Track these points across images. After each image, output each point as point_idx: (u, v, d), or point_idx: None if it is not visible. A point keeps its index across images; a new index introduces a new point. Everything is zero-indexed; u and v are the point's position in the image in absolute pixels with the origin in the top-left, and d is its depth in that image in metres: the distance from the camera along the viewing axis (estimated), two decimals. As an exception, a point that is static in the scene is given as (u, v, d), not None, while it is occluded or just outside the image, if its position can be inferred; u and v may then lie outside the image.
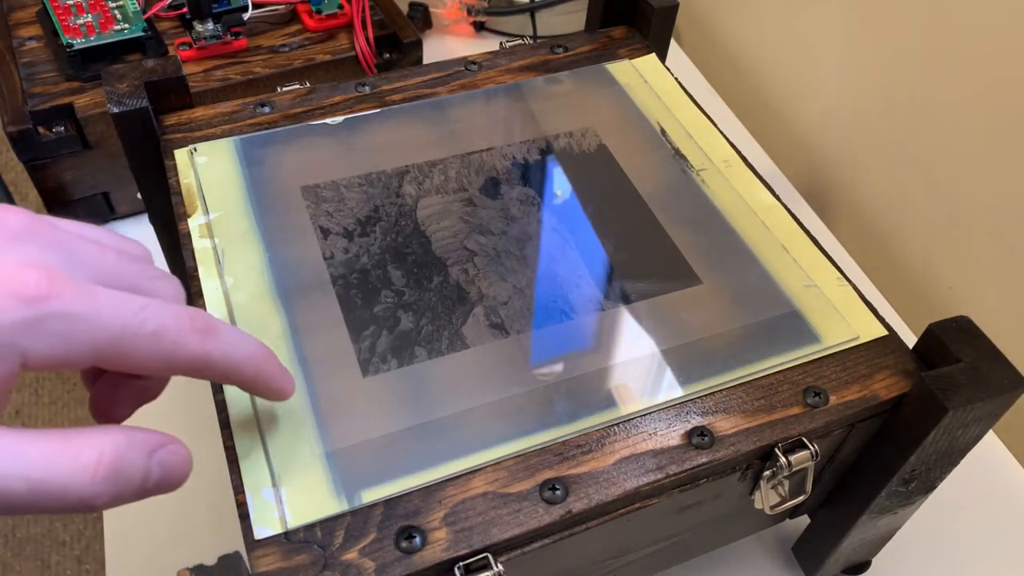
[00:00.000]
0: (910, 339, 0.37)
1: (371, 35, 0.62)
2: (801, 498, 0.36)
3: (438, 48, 0.79)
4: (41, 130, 0.55)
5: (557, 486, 0.31)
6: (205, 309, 0.36)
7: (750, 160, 0.45)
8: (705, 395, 0.35)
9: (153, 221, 0.46)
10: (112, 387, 0.28)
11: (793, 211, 0.42)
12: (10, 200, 0.92)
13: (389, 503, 0.30)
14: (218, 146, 0.42)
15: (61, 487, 0.22)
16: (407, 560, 0.29)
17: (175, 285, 0.28)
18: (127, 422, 0.28)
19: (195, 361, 0.26)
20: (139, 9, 0.61)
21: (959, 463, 0.37)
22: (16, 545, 1.14)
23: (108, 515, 0.46)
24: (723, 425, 0.34)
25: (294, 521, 0.30)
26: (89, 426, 0.24)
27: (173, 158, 0.42)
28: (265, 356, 0.29)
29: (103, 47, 0.59)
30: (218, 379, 0.27)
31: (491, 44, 0.55)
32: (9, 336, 0.22)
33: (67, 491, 0.23)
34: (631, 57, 0.50)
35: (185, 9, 0.61)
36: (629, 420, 0.34)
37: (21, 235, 0.24)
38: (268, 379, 0.29)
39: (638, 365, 0.35)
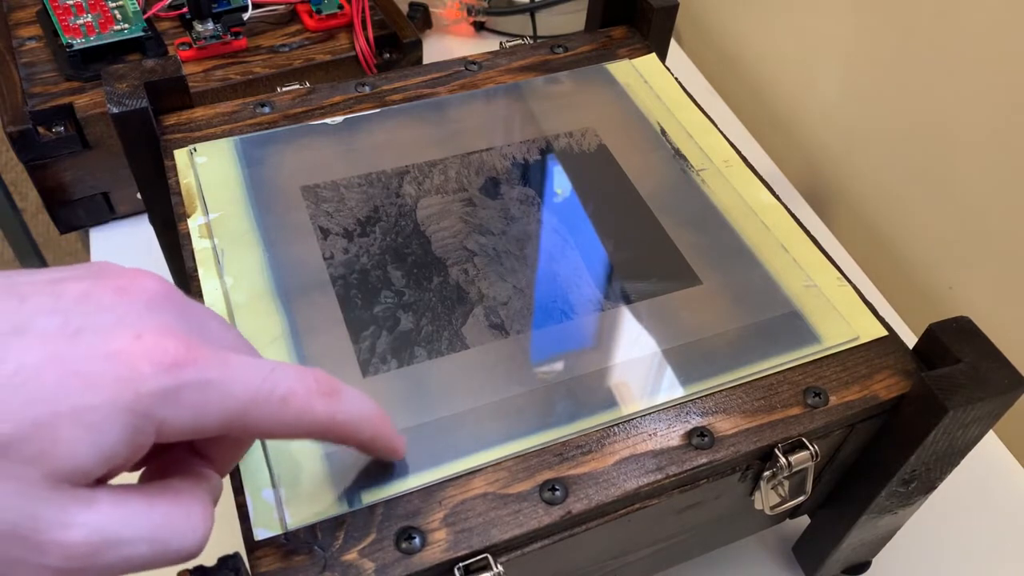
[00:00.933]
0: (910, 339, 0.37)
1: (371, 35, 0.62)
2: (801, 498, 0.36)
3: (438, 48, 0.79)
4: (41, 130, 0.55)
5: (557, 487, 0.31)
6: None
7: (750, 160, 0.45)
8: (705, 395, 0.35)
9: (153, 221, 0.46)
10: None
11: (793, 211, 0.42)
12: (10, 200, 0.91)
13: (389, 504, 0.30)
14: (218, 146, 0.42)
15: (178, 545, 0.23)
16: (407, 561, 0.29)
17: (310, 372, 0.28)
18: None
19: (320, 425, 0.26)
20: (139, 9, 0.61)
21: (959, 463, 0.37)
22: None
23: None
24: (723, 425, 0.34)
25: (294, 522, 0.30)
26: (178, 479, 0.25)
27: (173, 158, 0.42)
28: (382, 417, 0.29)
29: (103, 47, 0.59)
30: (335, 440, 0.27)
31: (491, 44, 0.54)
32: (149, 405, 0.22)
33: (182, 547, 0.23)
34: (631, 57, 0.50)
35: (185, 9, 0.61)
36: (629, 420, 0.33)
37: (157, 301, 0.24)
38: (384, 440, 0.29)
39: (638, 365, 0.35)
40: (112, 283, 0.24)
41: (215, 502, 0.26)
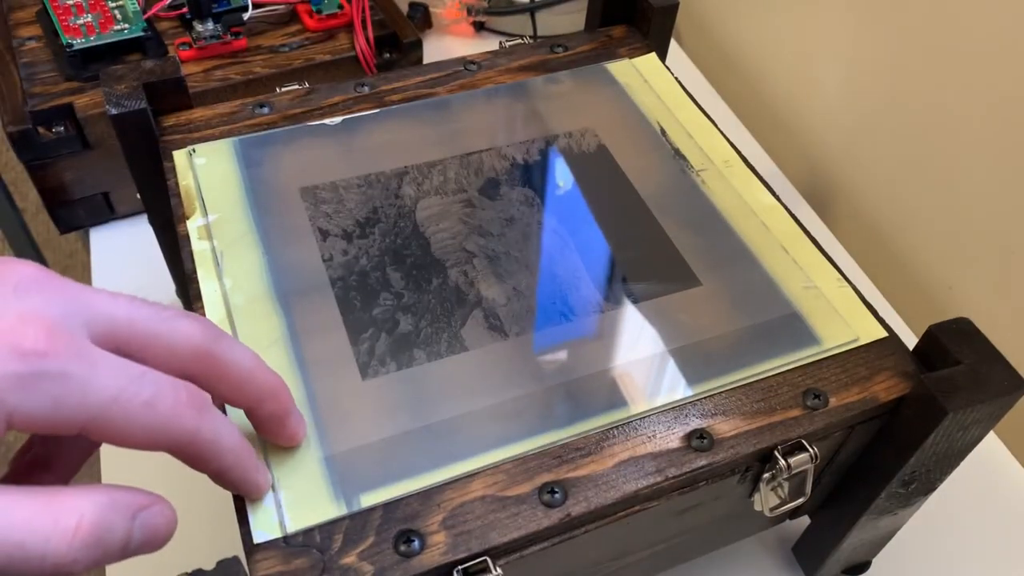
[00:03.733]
0: (910, 340, 0.37)
1: (371, 35, 0.62)
2: (801, 500, 0.36)
3: (438, 48, 0.79)
4: (41, 130, 0.55)
5: (556, 489, 0.31)
6: (205, 313, 0.36)
7: (750, 160, 0.45)
8: (704, 397, 0.34)
9: (153, 222, 0.46)
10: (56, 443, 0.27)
11: (793, 211, 0.42)
12: (10, 200, 0.91)
13: (388, 507, 0.30)
14: (217, 147, 0.42)
15: (39, 552, 0.21)
16: (406, 564, 0.29)
17: (199, 323, 0.27)
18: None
19: (182, 437, 0.25)
20: (139, 9, 0.61)
21: (959, 464, 0.37)
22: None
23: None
24: (722, 427, 0.34)
25: (293, 525, 0.30)
26: (74, 486, 0.23)
27: (172, 159, 0.42)
28: (248, 449, 0.28)
29: (103, 47, 0.58)
30: (195, 460, 0.26)
31: (491, 44, 0.54)
32: None
33: (44, 556, 0.21)
34: (631, 57, 0.50)
35: (185, 9, 0.60)
36: (628, 422, 0.33)
37: (27, 286, 0.23)
38: (243, 471, 0.28)
39: (637, 367, 0.35)
40: None
41: (121, 519, 0.23)
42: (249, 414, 0.29)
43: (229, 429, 0.27)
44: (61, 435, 0.23)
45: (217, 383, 0.27)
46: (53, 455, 0.28)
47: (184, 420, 0.25)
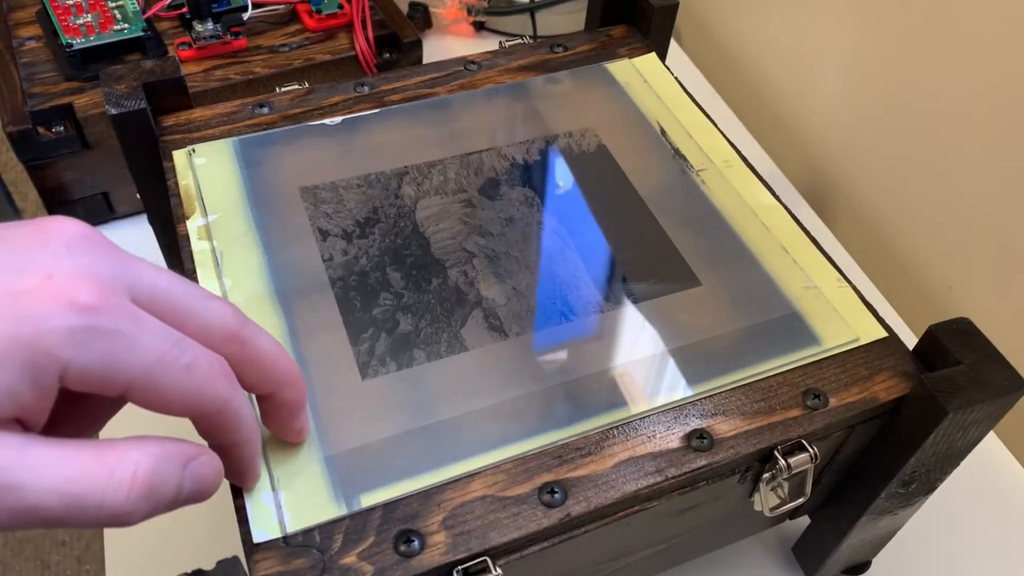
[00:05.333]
0: (910, 340, 0.37)
1: (371, 35, 0.62)
2: (801, 500, 0.36)
3: (438, 48, 0.79)
4: (41, 130, 0.55)
5: (556, 489, 0.31)
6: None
7: (750, 160, 0.45)
8: (704, 397, 0.34)
9: (152, 222, 0.46)
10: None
11: (793, 211, 0.42)
12: (10, 200, 0.92)
13: (388, 507, 0.30)
14: (216, 147, 0.42)
15: (96, 503, 0.22)
16: (406, 564, 0.29)
17: (229, 306, 0.28)
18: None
19: (215, 403, 0.25)
20: (139, 9, 0.61)
21: (959, 464, 0.37)
22: (16, 545, 1.14)
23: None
24: (722, 427, 0.34)
25: (293, 525, 0.30)
26: (125, 438, 0.24)
27: (171, 159, 0.42)
28: (258, 431, 0.29)
29: (103, 47, 0.58)
30: (218, 429, 0.27)
31: (491, 44, 0.54)
32: (53, 344, 0.21)
33: (101, 507, 0.22)
34: (631, 57, 0.50)
35: (185, 9, 0.60)
36: (628, 423, 0.33)
37: (79, 244, 0.24)
38: (254, 452, 0.29)
39: (637, 367, 0.35)
40: (31, 226, 0.23)
41: (174, 469, 0.24)
42: (266, 401, 0.30)
43: (249, 406, 0.27)
44: (98, 394, 0.23)
45: (243, 366, 0.27)
46: (69, 417, 0.27)
47: (218, 388, 0.25)
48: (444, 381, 0.34)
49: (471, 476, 0.31)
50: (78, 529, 1.16)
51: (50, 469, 0.22)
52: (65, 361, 0.22)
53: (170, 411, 0.25)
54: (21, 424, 0.22)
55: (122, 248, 0.25)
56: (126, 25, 0.60)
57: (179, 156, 0.42)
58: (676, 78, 0.49)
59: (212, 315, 0.27)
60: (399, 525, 0.30)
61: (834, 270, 0.40)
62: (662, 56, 0.51)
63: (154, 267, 0.26)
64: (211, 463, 0.25)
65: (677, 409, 0.34)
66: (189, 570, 0.26)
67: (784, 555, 0.47)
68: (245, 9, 0.61)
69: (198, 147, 0.42)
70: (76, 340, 0.22)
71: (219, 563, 0.27)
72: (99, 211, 0.61)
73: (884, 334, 0.37)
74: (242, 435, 0.27)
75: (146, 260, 0.26)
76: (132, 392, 0.23)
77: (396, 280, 0.38)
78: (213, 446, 0.27)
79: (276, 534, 0.29)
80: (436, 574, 0.29)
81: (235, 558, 0.27)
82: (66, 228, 0.24)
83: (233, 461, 0.29)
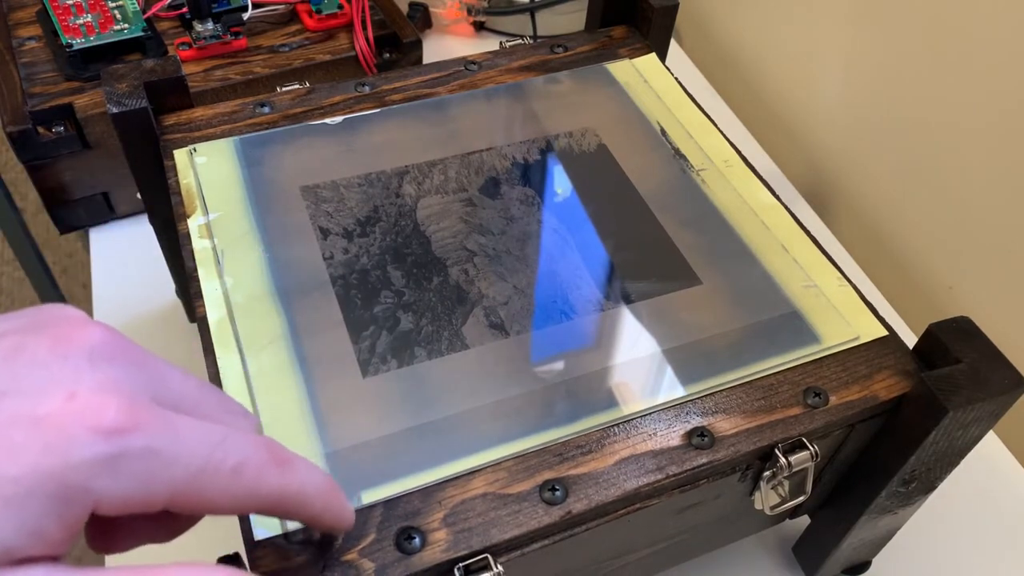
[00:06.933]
0: (910, 339, 0.37)
1: (371, 35, 0.62)
2: (801, 498, 0.36)
3: (438, 48, 0.79)
4: (41, 130, 0.55)
5: (557, 487, 0.31)
6: (205, 312, 0.36)
7: (750, 160, 0.45)
8: (705, 395, 0.35)
9: (153, 222, 0.46)
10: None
11: (793, 211, 0.42)
12: (10, 200, 0.91)
13: (389, 504, 0.30)
14: (217, 146, 0.42)
15: None
16: (407, 561, 0.29)
17: (253, 421, 0.26)
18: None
19: (270, 499, 0.23)
20: (139, 9, 0.61)
21: (959, 463, 0.37)
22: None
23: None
24: (723, 425, 0.34)
25: (294, 522, 0.29)
26: (166, 565, 0.21)
27: (172, 158, 0.42)
28: (334, 488, 0.26)
29: (103, 47, 0.58)
30: (282, 514, 0.25)
31: (491, 44, 0.54)
32: (82, 476, 0.19)
33: None
34: (631, 57, 0.50)
35: (185, 9, 0.61)
36: (629, 420, 0.33)
37: (101, 352, 0.21)
38: (335, 512, 0.26)
39: (638, 365, 0.35)
40: (50, 333, 0.21)
41: None
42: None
43: (314, 476, 0.25)
44: (140, 512, 0.21)
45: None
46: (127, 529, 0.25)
47: (271, 481, 0.23)
48: (445, 379, 0.34)
49: (472, 473, 0.31)
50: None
51: None
52: (98, 493, 0.20)
53: (218, 513, 0.23)
54: (48, 555, 0.20)
55: (147, 351, 0.23)
56: (126, 25, 0.60)
57: (180, 155, 0.42)
58: (676, 78, 0.49)
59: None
60: (400, 522, 0.30)
61: (834, 269, 0.40)
62: (662, 56, 0.51)
63: (181, 371, 0.24)
64: None
65: (678, 407, 0.34)
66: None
67: (784, 555, 0.47)
68: (245, 9, 0.61)
69: (199, 146, 0.42)
70: (108, 469, 0.20)
71: (220, 560, 0.27)
72: (99, 211, 0.61)
73: (884, 333, 0.37)
74: (313, 509, 0.25)
75: (171, 364, 0.24)
76: (175, 505, 0.21)
77: (397, 278, 0.38)
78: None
79: (277, 531, 0.29)
80: (437, 571, 0.29)
81: (236, 555, 0.27)
82: (88, 336, 0.22)
83: (318, 528, 0.27)
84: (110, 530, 0.24)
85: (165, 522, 0.25)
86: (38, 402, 0.20)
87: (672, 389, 0.35)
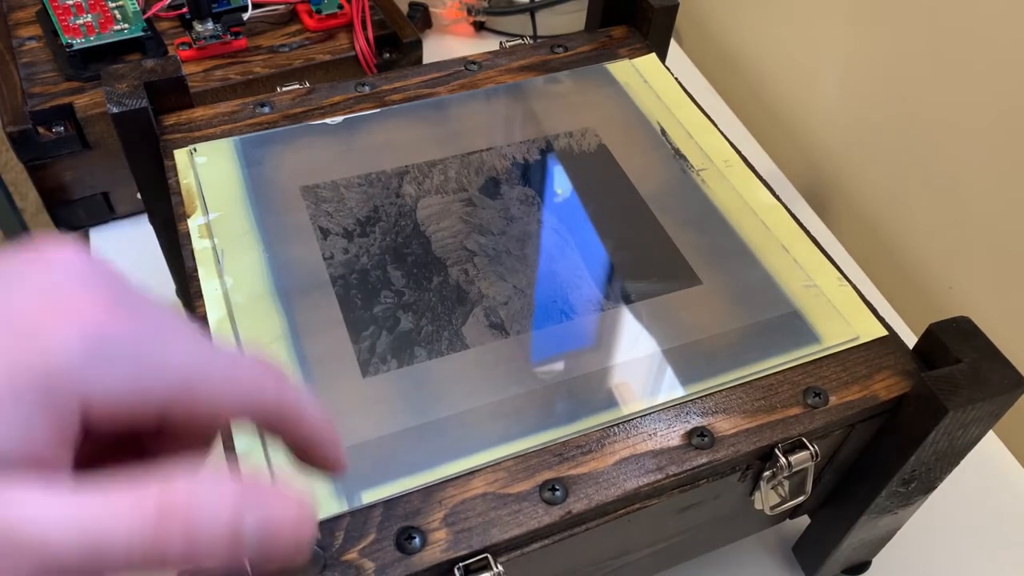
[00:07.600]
0: (910, 339, 0.37)
1: (371, 35, 0.62)
2: (801, 498, 0.36)
3: (438, 48, 0.79)
4: (41, 130, 0.55)
5: (557, 487, 0.31)
6: (205, 311, 0.36)
7: (750, 160, 0.45)
8: (705, 395, 0.35)
9: (153, 221, 0.46)
10: None
11: (793, 211, 0.42)
12: (10, 200, 0.91)
13: (389, 504, 0.30)
14: (218, 146, 0.42)
15: (122, 543, 0.18)
16: (407, 561, 0.29)
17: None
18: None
19: (268, 403, 0.22)
20: (139, 9, 0.61)
21: (959, 463, 0.37)
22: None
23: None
24: (723, 425, 0.34)
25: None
26: (163, 468, 0.19)
27: (173, 158, 0.42)
28: (328, 419, 0.24)
29: (103, 47, 0.59)
30: (278, 427, 0.23)
31: (491, 44, 0.54)
32: (66, 368, 0.18)
33: (129, 546, 0.18)
34: (631, 57, 0.50)
35: (185, 9, 0.61)
36: (629, 420, 0.33)
37: (79, 268, 0.20)
38: (329, 439, 0.24)
39: (638, 365, 0.35)
40: (26, 252, 0.20)
41: (214, 497, 0.19)
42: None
43: (310, 399, 0.23)
44: (140, 424, 0.20)
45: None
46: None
47: (267, 385, 0.22)
48: (445, 379, 0.34)
49: (472, 473, 0.31)
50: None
51: (69, 516, 0.18)
52: (84, 388, 0.18)
53: (223, 416, 0.22)
54: (42, 466, 0.19)
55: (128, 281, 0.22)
56: (126, 25, 0.60)
57: (180, 155, 0.42)
58: (676, 78, 0.49)
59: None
60: (400, 522, 0.30)
61: (834, 269, 0.40)
62: (662, 56, 0.51)
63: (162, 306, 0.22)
64: (281, 503, 0.20)
65: (678, 407, 0.34)
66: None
67: (784, 555, 0.47)
68: (245, 9, 0.61)
69: (199, 146, 0.42)
70: (90, 360, 0.19)
71: (220, 560, 0.27)
72: (99, 211, 0.61)
73: (884, 333, 0.37)
74: (311, 427, 0.23)
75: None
76: (174, 406, 0.20)
77: (397, 278, 0.38)
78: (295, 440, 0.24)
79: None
80: (437, 571, 0.29)
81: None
82: (64, 253, 0.21)
83: (315, 446, 0.24)
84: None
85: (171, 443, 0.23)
86: (11, 303, 0.19)
87: (672, 389, 0.35)
